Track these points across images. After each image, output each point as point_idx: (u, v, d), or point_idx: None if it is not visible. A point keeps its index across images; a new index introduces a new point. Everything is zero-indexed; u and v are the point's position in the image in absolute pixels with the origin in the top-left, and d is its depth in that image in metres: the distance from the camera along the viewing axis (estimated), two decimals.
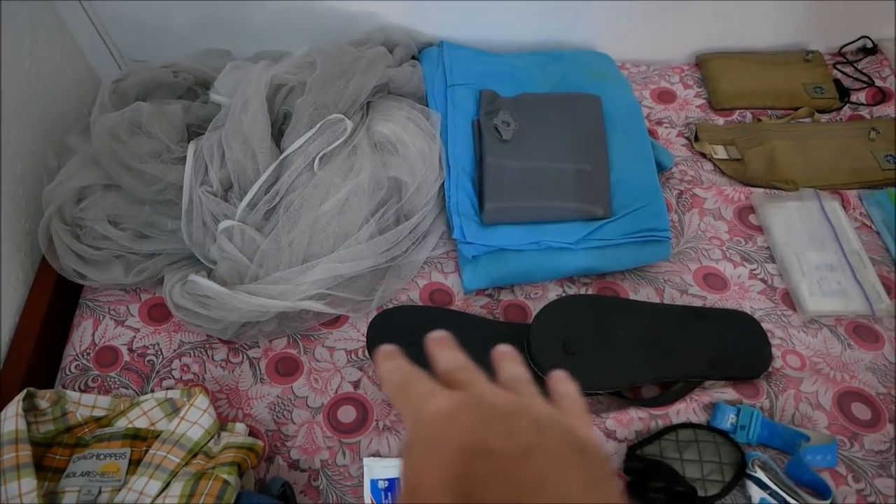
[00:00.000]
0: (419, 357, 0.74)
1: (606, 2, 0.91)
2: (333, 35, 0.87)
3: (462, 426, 0.25)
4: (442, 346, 0.31)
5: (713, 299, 0.76)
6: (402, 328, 0.69)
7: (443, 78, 0.86)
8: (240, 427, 0.63)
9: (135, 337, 0.73)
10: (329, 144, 0.72)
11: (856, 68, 0.98)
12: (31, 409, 0.60)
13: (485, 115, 0.82)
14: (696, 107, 0.95)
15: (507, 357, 0.31)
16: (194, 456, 0.58)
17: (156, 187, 0.72)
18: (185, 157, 0.72)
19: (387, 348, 0.31)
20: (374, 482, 0.63)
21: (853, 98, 0.95)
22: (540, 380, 0.60)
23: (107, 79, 0.79)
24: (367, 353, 0.70)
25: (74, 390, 0.66)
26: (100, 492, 0.57)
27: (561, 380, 0.29)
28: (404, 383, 0.28)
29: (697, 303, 0.75)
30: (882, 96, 0.95)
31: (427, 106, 0.84)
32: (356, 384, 0.70)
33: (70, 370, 0.71)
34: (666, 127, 0.93)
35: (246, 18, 0.89)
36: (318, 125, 0.72)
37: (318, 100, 0.73)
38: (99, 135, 0.71)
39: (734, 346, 0.69)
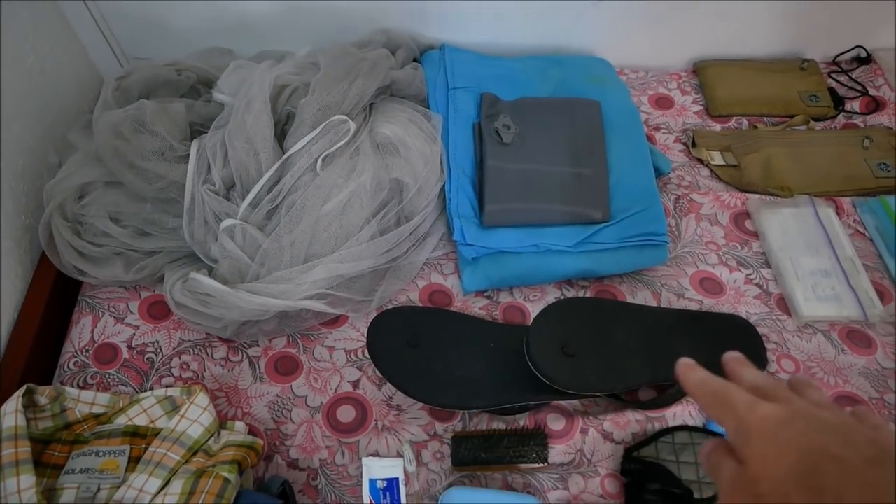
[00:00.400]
0: (418, 357, 0.74)
1: (606, 6, 0.91)
2: (335, 36, 0.88)
3: (798, 431, 0.28)
4: (743, 364, 0.35)
5: (709, 303, 0.77)
6: (401, 329, 0.69)
7: (444, 81, 0.87)
8: (239, 426, 0.63)
9: (134, 334, 0.73)
10: (332, 145, 0.73)
11: (850, 77, 0.99)
12: (30, 405, 0.60)
13: (485, 118, 0.82)
14: (694, 113, 0.97)
15: (809, 383, 0.33)
16: (194, 454, 0.58)
17: (158, 185, 0.72)
18: (188, 155, 0.72)
19: (688, 361, 0.35)
20: (372, 482, 0.63)
21: (847, 107, 0.97)
22: (545, 385, 0.61)
23: (108, 76, 0.79)
24: (366, 353, 0.70)
25: (73, 387, 0.66)
26: (99, 489, 0.57)
27: (870, 412, 0.31)
28: (724, 392, 0.32)
29: (694, 307, 0.76)
30: (875, 105, 0.96)
31: (428, 108, 0.85)
32: (355, 384, 0.70)
33: (69, 367, 0.71)
34: (664, 132, 0.94)
35: (248, 17, 0.90)
36: (322, 126, 0.72)
37: (323, 100, 0.73)
38: (102, 131, 0.71)
39: (730, 350, 0.70)
